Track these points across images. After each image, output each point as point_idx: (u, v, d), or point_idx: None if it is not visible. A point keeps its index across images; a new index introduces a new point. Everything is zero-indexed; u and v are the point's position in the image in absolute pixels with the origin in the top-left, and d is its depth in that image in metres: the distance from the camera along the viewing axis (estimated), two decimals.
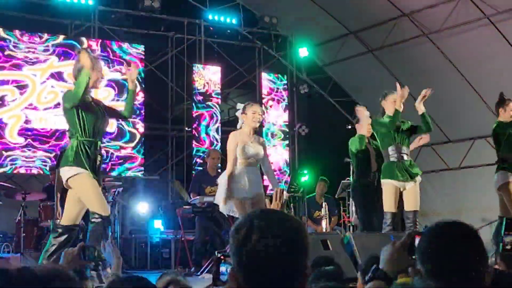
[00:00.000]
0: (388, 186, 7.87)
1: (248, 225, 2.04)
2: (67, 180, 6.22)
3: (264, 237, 2.00)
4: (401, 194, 7.96)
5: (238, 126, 7.46)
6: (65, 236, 6.22)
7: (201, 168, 10.86)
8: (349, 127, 16.19)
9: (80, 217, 6.42)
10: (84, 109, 6.25)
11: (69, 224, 6.29)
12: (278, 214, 2.13)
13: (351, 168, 9.96)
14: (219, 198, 7.16)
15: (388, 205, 7.80)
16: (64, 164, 6.21)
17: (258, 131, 7.65)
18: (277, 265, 2.00)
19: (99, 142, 6.38)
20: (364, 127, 8.65)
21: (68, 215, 6.32)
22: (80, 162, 6.14)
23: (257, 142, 7.35)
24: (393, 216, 7.77)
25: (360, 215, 8.82)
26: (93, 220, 6.16)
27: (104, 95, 12.81)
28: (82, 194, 6.24)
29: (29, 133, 12.20)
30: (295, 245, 2.03)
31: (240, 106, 7.50)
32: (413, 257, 2.57)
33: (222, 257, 3.92)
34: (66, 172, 6.20)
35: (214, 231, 9.59)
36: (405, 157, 7.91)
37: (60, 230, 6.24)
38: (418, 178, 8.02)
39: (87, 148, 6.20)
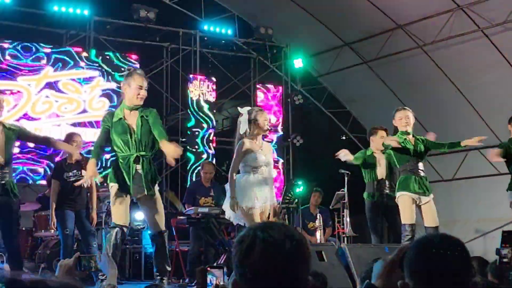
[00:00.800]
0: (404, 198, 7.87)
1: (251, 237, 2.07)
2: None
3: (267, 249, 2.02)
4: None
5: (241, 132, 7.19)
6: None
7: (196, 179, 10.84)
8: (344, 137, 16.25)
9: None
10: None
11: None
12: (281, 227, 2.14)
13: (346, 179, 9.99)
14: (226, 205, 7.11)
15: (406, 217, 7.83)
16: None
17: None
18: (279, 277, 2.02)
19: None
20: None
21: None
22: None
23: (266, 149, 7.26)
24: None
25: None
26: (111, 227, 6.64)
27: (98, 106, 12.84)
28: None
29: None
30: (297, 258, 2.05)
31: (243, 110, 7.22)
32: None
33: (207, 268, 3.93)
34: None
35: (208, 242, 9.57)
36: (422, 173, 7.94)
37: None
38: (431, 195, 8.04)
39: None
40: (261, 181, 7.04)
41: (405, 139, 7.91)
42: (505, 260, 3.67)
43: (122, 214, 6.58)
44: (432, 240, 2.43)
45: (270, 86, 15.84)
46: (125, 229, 6.59)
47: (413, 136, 8.03)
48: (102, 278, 6.31)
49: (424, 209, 7.90)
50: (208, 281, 3.66)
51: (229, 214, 7.10)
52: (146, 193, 6.60)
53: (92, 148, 8.03)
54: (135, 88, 6.56)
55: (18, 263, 7.16)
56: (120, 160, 6.53)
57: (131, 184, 6.47)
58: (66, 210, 8.55)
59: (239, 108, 7.35)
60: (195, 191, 10.29)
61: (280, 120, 15.69)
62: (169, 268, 6.98)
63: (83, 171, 8.17)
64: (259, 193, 6.95)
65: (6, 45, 12.34)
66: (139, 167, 6.54)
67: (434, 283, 2.32)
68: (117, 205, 6.56)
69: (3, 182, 6.97)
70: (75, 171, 8.60)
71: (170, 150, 6.42)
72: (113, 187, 6.55)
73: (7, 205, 7.10)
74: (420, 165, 7.94)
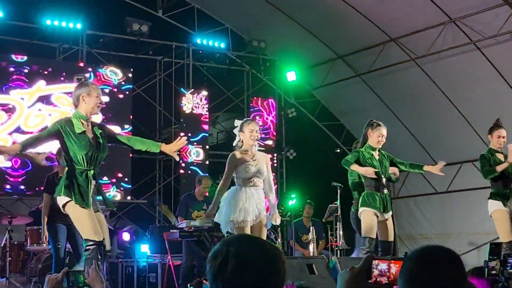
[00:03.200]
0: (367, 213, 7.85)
1: (224, 252, 2.05)
2: (63, 208, 6.25)
3: (240, 264, 2.01)
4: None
5: (234, 144, 7.31)
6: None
7: (188, 192, 10.79)
8: (338, 150, 16.25)
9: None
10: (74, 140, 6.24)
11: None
12: (255, 241, 2.13)
13: (338, 192, 9.99)
14: (220, 217, 7.12)
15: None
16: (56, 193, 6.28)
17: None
18: None
19: (91, 171, 6.30)
20: None
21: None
22: (68, 191, 6.14)
23: (259, 159, 7.17)
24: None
25: None
26: (87, 247, 6.14)
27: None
28: (74, 222, 6.26)
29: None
30: (271, 272, 2.04)
31: (237, 123, 7.31)
32: (369, 281, 2.58)
33: (203, 281, 3.91)
34: (58, 201, 6.26)
35: (201, 256, 9.53)
36: (385, 191, 7.90)
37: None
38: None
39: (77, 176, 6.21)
40: (253, 193, 7.03)
41: (372, 155, 7.85)
42: (493, 272, 3.66)
43: (97, 227, 6.24)
44: (431, 252, 2.41)
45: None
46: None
47: (378, 151, 7.96)
48: None
49: (384, 225, 7.88)
50: None
51: (223, 226, 7.10)
52: (107, 208, 6.47)
53: None
54: (96, 97, 6.29)
55: None
56: (77, 173, 6.18)
57: (89, 199, 6.17)
58: (57, 224, 8.50)
59: (236, 120, 7.41)
60: (188, 204, 10.26)
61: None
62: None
63: None
64: (250, 206, 6.93)
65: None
66: (93, 182, 6.30)
67: None
68: (86, 219, 6.18)
69: None
70: None
71: (173, 147, 6.40)
72: (70, 202, 6.14)
73: None
74: (384, 182, 7.90)
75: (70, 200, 6.12)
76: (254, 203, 7.00)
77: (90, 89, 6.30)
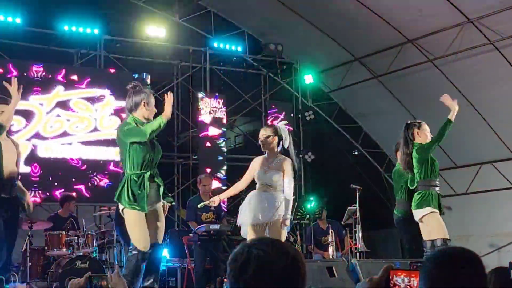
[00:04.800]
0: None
1: (245, 254, 2.05)
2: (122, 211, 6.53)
3: (261, 266, 2.01)
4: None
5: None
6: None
7: (194, 196, 10.74)
8: (356, 152, 16.20)
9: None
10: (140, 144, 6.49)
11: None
12: (275, 243, 2.12)
13: (357, 194, 9.95)
14: (240, 221, 7.15)
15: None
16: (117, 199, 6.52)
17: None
18: None
19: (148, 173, 6.49)
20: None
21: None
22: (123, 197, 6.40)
23: (274, 166, 7.09)
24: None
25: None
26: (130, 250, 6.49)
27: (109, 124, 12.85)
28: (127, 227, 6.52)
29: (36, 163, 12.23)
30: (292, 274, 2.04)
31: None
32: None
33: (225, 279, 3.91)
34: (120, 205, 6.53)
35: (218, 258, 9.50)
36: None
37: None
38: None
39: (135, 181, 6.42)
40: (266, 197, 7.01)
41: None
42: None
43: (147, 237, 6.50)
44: (453, 253, 2.38)
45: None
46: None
47: None
48: None
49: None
50: None
51: (244, 229, 7.10)
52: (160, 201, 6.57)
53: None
54: (152, 107, 6.66)
55: None
56: (135, 178, 6.43)
57: (146, 201, 6.39)
58: None
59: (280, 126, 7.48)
60: (196, 208, 10.10)
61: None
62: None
63: None
64: (261, 210, 6.91)
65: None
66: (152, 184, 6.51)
67: None
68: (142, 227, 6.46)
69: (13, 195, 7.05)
70: None
71: (167, 109, 6.64)
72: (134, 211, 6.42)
73: (15, 219, 7.20)
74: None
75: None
76: (267, 207, 6.96)
77: (149, 98, 6.63)
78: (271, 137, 7.15)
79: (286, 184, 7.13)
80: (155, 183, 6.62)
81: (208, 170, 13.66)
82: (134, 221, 6.42)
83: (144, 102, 6.56)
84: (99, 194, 12.67)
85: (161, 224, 6.70)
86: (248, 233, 6.92)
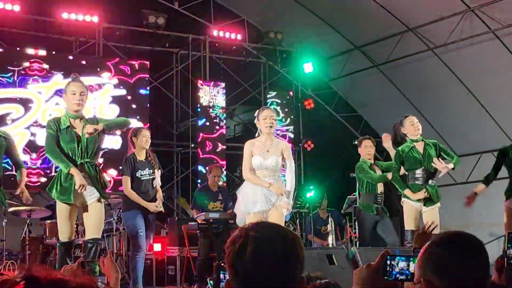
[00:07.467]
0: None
1: (243, 237, 2.04)
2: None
3: (259, 249, 2.00)
4: None
5: (256, 135, 7.15)
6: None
7: (203, 185, 10.70)
8: (356, 142, 16.17)
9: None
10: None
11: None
12: (273, 227, 2.11)
13: (357, 184, 9.92)
14: (236, 210, 7.06)
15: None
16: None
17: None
18: (271, 277, 1.99)
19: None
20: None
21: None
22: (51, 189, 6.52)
23: (273, 150, 6.94)
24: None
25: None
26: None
27: (109, 112, 12.81)
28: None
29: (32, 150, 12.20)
30: (290, 257, 2.03)
31: (256, 113, 7.19)
32: (385, 278, 2.50)
33: (222, 264, 3.87)
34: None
35: (220, 247, 9.46)
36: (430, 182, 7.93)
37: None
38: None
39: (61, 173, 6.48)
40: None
41: (413, 147, 7.77)
42: None
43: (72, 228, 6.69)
44: (462, 238, 2.33)
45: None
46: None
47: (422, 140, 7.89)
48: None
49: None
50: (222, 277, 3.64)
51: (239, 218, 7.01)
52: (100, 195, 6.51)
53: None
54: (70, 95, 6.63)
55: None
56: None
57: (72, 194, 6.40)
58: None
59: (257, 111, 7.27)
60: (203, 196, 10.10)
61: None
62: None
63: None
64: (261, 196, 6.79)
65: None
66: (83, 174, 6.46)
67: (466, 282, 2.23)
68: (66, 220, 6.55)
69: None
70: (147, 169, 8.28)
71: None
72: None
73: None
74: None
75: None
76: (262, 194, 6.82)
77: (66, 88, 6.74)
78: (276, 120, 7.10)
79: (291, 166, 7.04)
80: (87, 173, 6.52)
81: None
82: (59, 212, 6.54)
83: (63, 95, 6.81)
84: None
85: (94, 219, 6.62)
86: (247, 221, 6.82)
